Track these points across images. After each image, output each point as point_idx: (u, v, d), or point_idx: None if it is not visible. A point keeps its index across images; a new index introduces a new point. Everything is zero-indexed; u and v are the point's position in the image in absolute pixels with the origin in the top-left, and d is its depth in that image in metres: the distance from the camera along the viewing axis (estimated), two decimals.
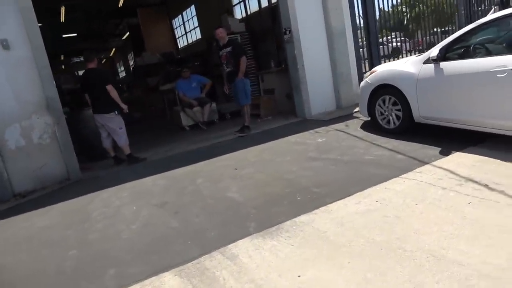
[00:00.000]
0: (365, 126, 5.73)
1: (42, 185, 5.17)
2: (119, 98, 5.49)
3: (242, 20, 10.49)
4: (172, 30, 17.68)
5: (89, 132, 6.21)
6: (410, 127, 4.91)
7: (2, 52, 4.82)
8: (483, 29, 4.09)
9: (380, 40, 8.57)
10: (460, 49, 4.23)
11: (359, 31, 7.66)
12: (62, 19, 14.54)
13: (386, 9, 7.96)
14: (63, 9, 13.39)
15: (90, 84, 5.49)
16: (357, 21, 7.66)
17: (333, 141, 5.27)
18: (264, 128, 6.79)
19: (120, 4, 14.23)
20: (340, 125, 6.05)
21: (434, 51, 4.30)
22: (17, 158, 5.03)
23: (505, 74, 3.61)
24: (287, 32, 6.76)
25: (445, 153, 4.12)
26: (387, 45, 9.79)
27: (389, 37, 10.34)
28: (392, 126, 5.12)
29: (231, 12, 11.17)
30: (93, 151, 6.33)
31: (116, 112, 5.50)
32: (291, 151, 5.05)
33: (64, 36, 18.30)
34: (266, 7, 9.93)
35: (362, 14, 7.62)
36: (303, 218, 3.12)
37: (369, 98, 5.37)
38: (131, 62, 26.61)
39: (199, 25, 14.44)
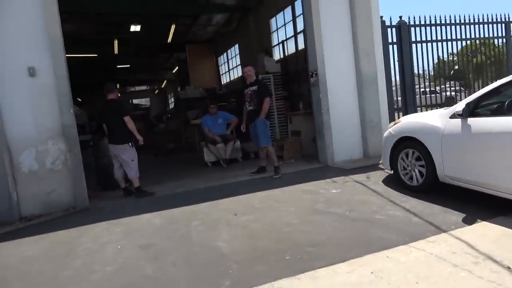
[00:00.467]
0: (388, 180, 5.26)
1: (49, 211, 5.20)
2: (136, 130, 5.51)
3: (279, 61, 10.51)
4: (217, 66, 18.22)
5: (106, 161, 6.28)
6: (434, 186, 4.40)
7: (28, 79, 5.05)
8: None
9: (433, 89, 8.18)
10: (492, 105, 3.78)
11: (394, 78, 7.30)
12: (116, 51, 15.50)
13: (429, 57, 7.54)
14: (116, 42, 14.31)
15: (108, 114, 5.59)
16: (392, 68, 7.32)
17: (347, 193, 4.85)
18: (283, 171, 6.47)
19: (169, 40, 14.92)
20: (360, 176, 5.61)
21: (460, 105, 3.87)
22: (29, 182, 5.12)
23: None
24: (313, 75, 6.57)
25: (468, 221, 3.58)
26: (440, 94, 9.24)
27: (443, 86, 9.79)
28: (415, 183, 4.62)
29: (270, 53, 11.25)
30: (108, 180, 6.37)
31: (130, 144, 5.51)
32: (299, 201, 4.70)
33: (118, 66, 19.49)
34: (302, 49, 9.88)
35: (398, 61, 7.28)
36: (283, 283, 2.75)
37: (392, 150, 4.94)
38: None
39: (240, 64, 14.73)
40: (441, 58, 7.47)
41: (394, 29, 7.23)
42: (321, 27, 6.45)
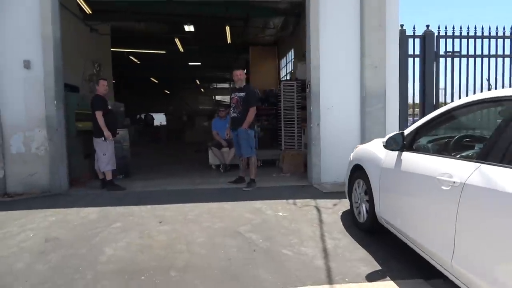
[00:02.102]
0: (352, 212, 4.61)
1: (29, 191, 5.71)
2: (105, 126, 5.71)
3: None
4: (279, 70, 18.06)
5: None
6: (377, 227, 3.72)
7: (25, 71, 5.59)
8: (455, 116, 2.85)
9: None
10: (439, 139, 3.06)
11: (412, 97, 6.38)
12: (181, 49, 16.34)
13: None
14: (177, 41, 15.07)
15: (91, 109, 5.88)
16: (411, 84, 6.40)
17: (290, 218, 4.38)
18: (262, 185, 6.13)
19: (229, 41, 15.21)
20: (328, 202, 5.02)
21: (392, 135, 3.20)
22: (15, 163, 5.69)
23: (449, 187, 2.40)
24: (308, 86, 6.07)
25: (373, 277, 2.95)
26: None
27: None
28: (361, 219, 3.98)
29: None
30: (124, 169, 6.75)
31: (103, 138, 5.74)
32: (233, 219, 4.38)
33: (190, 64, 20.55)
34: None
35: (420, 77, 6.33)
36: None
37: (349, 178, 4.33)
38: None
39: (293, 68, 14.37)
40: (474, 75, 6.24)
41: (417, 40, 6.28)
42: (319, 34, 5.93)
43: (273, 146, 8.99)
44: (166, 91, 33.37)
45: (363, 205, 3.91)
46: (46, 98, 5.59)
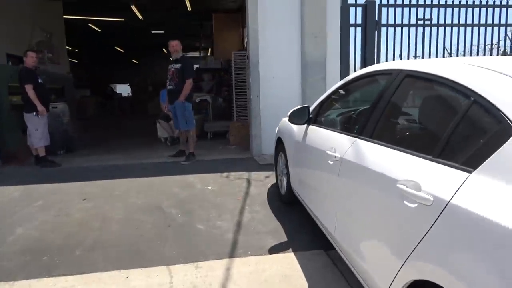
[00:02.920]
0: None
1: None
2: (37, 99, 5.47)
3: None
4: (243, 38, 17.67)
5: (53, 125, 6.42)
6: (295, 199, 3.78)
7: None
8: (352, 89, 2.85)
9: None
10: (328, 112, 3.05)
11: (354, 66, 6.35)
12: (140, 16, 15.69)
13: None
14: (134, 8, 14.42)
15: (19, 82, 5.59)
16: (353, 54, 6.36)
17: (218, 192, 4.39)
18: (204, 158, 6.11)
19: (189, 8, 14.69)
20: (261, 175, 5.07)
21: (296, 108, 3.18)
22: None
23: (333, 162, 2.42)
24: (247, 57, 5.95)
25: (276, 249, 3.01)
26: None
27: None
28: (283, 191, 4.03)
29: None
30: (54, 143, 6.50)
31: (34, 113, 5.51)
32: (159, 194, 4.35)
33: (153, 32, 19.84)
34: None
35: (361, 47, 6.28)
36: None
37: (275, 151, 4.34)
38: None
39: None
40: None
41: (360, 9, 6.19)
42: (257, 2, 5.75)
43: (227, 118, 8.91)
44: (134, 60, 32.29)
45: (284, 178, 3.95)
46: None
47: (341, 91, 2.87)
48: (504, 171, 1.25)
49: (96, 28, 18.35)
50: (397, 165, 1.76)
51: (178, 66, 5.76)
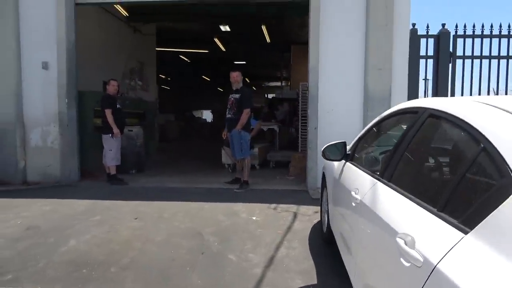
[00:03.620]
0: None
1: (45, 180, 6.25)
2: (114, 123, 6.06)
3: None
4: None
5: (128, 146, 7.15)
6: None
7: (43, 72, 6.13)
8: (384, 126, 2.64)
9: None
10: (361, 150, 2.86)
11: None
12: (223, 48, 16.70)
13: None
14: (217, 40, 15.41)
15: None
16: (425, 87, 5.95)
17: (261, 224, 4.33)
18: (258, 187, 6.11)
19: (268, 40, 15.25)
20: (310, 209, 4.89)
21: (332, 144, 3.03)
22: (34, 154, 6.27)
23: (355, 205, 2.25)
24: (307, 88, 5.92)
25: None
26: None
27: None
28: (324, 228, 3.83)
29: None
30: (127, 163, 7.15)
31: (110, 135, 6.09)
32: (202, 220, 4.43)
33: (235, 62, 20.90)
34: None
35: (433, 80, 5.85)
36: None
37: (321, 186, 4.18)
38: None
39: None
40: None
41: (431, 40, 5.79)
42: (319, 33, 5.75)
43: (294, 148, 8.87)
44: (220, 88, 34.24)
45: (325, 215, 3.75)
46: (59, 96, 6.08)
47: (374, 128, 2.69)
48: (498, 236, 1.04)
49: (185, 59, 19.96)
50: (402, 216, 1.57)
51: (237, 96, 5.95)
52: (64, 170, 6.20)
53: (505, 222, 1.04)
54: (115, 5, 9.48)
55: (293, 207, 4.97)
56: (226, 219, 4.48)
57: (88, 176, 6.67)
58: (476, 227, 1.11)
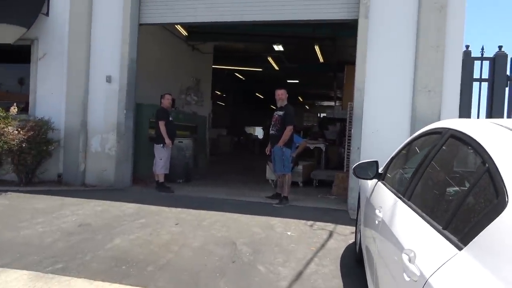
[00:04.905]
0: None
1: (100, 184, 6.79)
2: (166, 134, 6.46)
3: None
4: None
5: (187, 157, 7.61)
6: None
7: (106, 85, 6.74)
8: (413, 147, 2.60)
9: None
10: (392, 170, 2.84)
11: None
12: (276, 67, 17.05)
13: None
14: (271, 59, 15.78)
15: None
16: (478, 111, 5.68)
17: (294, 239, 4.36)
18: (298, 203, 6.14)
19: (321, 60, 15.35)
20: (347, 229, 4.82)
21: (364, 162, 3.04)
22: (93, 159, 6.84)
23: (377, 223, 2.27)
24: (351, 108, 5.90)
25: None
26: None
27: None
28: (357, 248, 3.78)
29: None
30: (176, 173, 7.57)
31: (162, 145, 6.49)
32: (238, 231, 4.56)
33: (288, 81, 21.17)
34: None
35: (487, 104, 5.58)
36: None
37: (357, 204, 4.14)
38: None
39: None
40: None
41: (486, 63, 5.53)
42: (366, 54, 5.75)
43: (340, 168, 8.78)
44: (273, 106, 34.72)
45: (358, 234, 3.72)
46: (119, 108, 6.63)
47: (405, 149, 2.68)
48: (486, 252, 1.06)
49: (240, 76, 20.61)
50: (411, 232, 1.59)
51: (281, 113, 6.10)
52: (118, 175, 6.69)
53: (494, 238, 1.05)
54: (175, 25, 10.17)
55: (330, 226, 4.94)
56: (261, 231, 4.58)
57: (139, 182, 7.13)
58: (469, 244, 1.13)
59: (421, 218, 1.60)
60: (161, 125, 6.49)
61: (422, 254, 1.34)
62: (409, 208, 1.81)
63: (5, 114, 6.34)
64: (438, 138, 1.94)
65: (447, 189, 1.62)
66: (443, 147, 1.81)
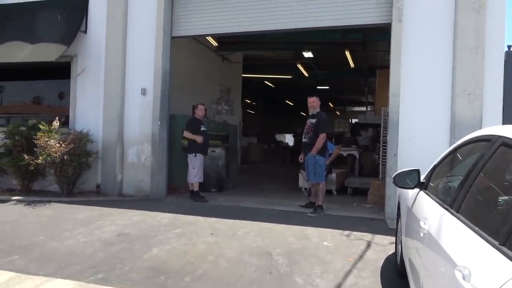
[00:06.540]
0: None
1: (137, 193, 6.95)
2: (195, 136, 6.61)
3: None
4: None
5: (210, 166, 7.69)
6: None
7: (141, 97, 6.93)
8: (458, 155, 2.48)
9: None
10: (435, 179, 2.72)
11: None
12: (306, 74, 16.96)
13: None
14: (300, 66, 15.72)
15: None
16: None
17: (331, 250, 4.26)
18: (333, 212, 6.02)
19: (352, 65, 15.13)
20: (385, 239, 4.66)
21: (403, 171, 2.93)
22: (130, 170, 7.02)
23: (422, 235, 2.18)
24: (387, 114, 5.75)
25: None
26: None
27: None
28: (398, 260, 3.64)
29: None
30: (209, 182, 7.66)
31: (194, 154, 6.58)
32: (273, 241, 4.50)
33: (318, 88, 21.00)
34: None
35: None
36: None
37: (397, 213, 4.00)
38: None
39: None
40: None
41: None
42: (400, 58, 5.60)
43: (375, 175, 8.57)
44: (303, 113, 34.51)
45: (399, 246, 3.58)
46: (153, 119, 6.79)
47: (449, 157, 2.55)
48: None
49: (270, 84, 20.66)
50: (463, 248, 1.50)
51: (313, 120, 6.02)
52: (154, 185, 6.83)
53: None
54: (206, 37, 10.36)
55: (367, 236, 4.80)
56: (296, 241, 4.51)
57: (174, 191, 7.25)
58: None
59: (473, 232, 1.51)
60: (186, 134, 6.66)
61: (478, 272, 1.25)
62: (458, 221, 1.72)
63: (48, 128, 6.63)
64: (487, 146, 1.84)
65: (501, 201, 1.52)
66: (494, 156, 1.71)
